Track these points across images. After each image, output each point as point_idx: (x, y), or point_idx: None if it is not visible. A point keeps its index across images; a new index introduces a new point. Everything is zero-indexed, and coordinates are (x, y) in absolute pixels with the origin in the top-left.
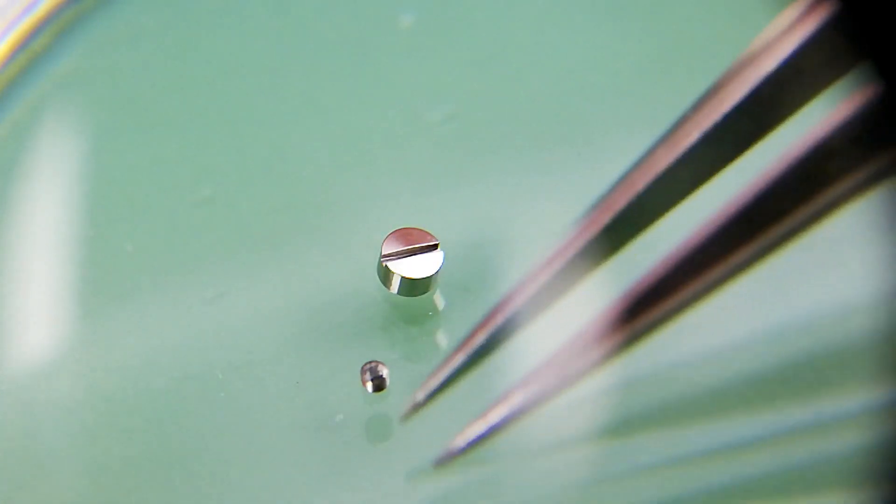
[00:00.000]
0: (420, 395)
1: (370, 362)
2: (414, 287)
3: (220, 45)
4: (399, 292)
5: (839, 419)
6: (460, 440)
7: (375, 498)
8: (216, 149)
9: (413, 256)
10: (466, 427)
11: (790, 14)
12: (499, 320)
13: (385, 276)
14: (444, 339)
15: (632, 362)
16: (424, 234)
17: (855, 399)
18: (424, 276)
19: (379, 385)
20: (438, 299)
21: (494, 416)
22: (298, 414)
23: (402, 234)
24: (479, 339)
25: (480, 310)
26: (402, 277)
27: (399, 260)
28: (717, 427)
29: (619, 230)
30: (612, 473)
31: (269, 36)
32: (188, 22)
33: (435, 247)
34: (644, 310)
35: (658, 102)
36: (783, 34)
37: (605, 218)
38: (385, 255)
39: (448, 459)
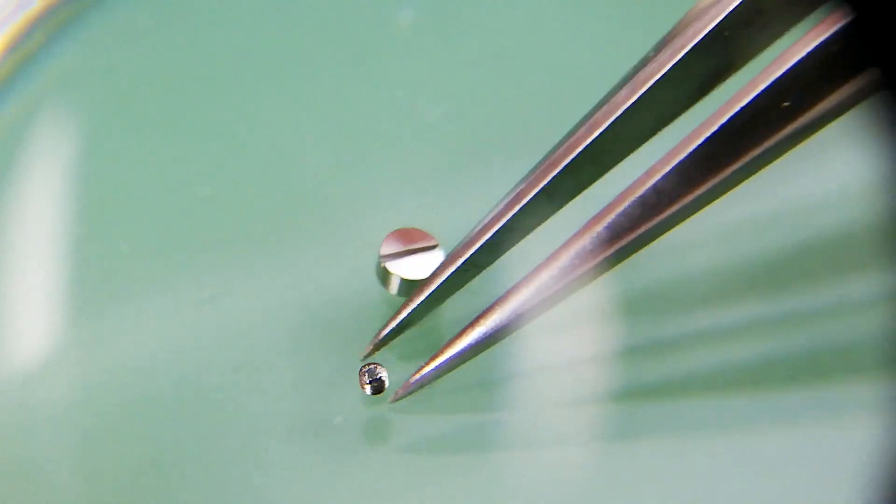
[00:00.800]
0: (402, 390)
1: (368, 364)
2: (413, 288)
3: (216, 43)
4: (398, 293)
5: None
6: (418, 376)
7: (374, 500)
8: (213, 148)
9: (412, 256)
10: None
11: None
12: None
13: (384, 276)
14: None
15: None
16: (423, 234)
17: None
18: (423, 276)
19: (377, 387)
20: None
21: (460, 345)
22: (297, 416)
23: (401, 234)
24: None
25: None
26: (401, 279)
27: (398, 260)
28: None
29: (582, 170)
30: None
31: (266, 34)
32: (184, 20)
33: (434, 247)
34: (625, 233)
35: None
36: None
37: (568, 157)
38: (384, 256)
39: (406, 393)
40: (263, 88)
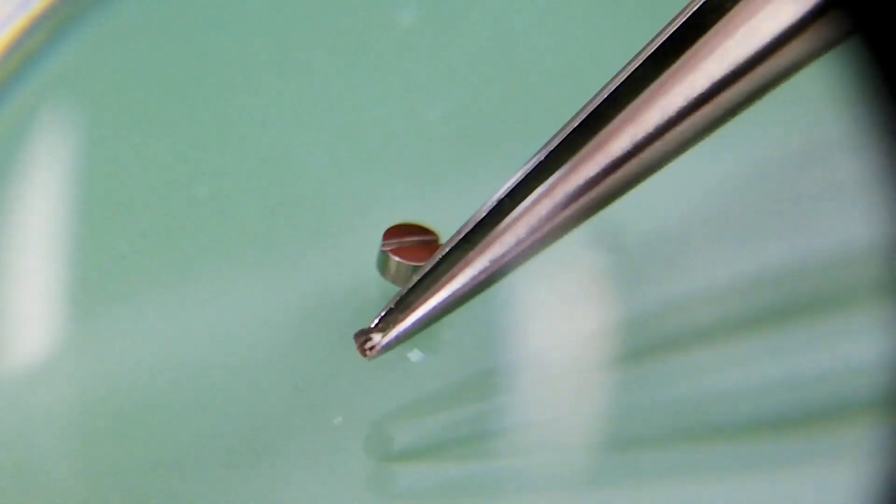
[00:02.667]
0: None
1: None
2: (412, 274)
3: (216, 43)
4: (396, 281)
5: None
6: (394, 332)
7: (374, 499)
8: (212, 148)
9: (412, 245)
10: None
11: None
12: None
13: (383, 263)
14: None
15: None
16: (424, 228)
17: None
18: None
19: (372, 346)
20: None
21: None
22: (297, 416)
23: (402, 227)
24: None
25: (480, 307)
26: (400, 263)
27: (398, 247)
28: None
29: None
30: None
31: (266, 34)
32: (184, 20)
33: (434, 240)
34: (611, 172)
35: None
36: None
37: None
38: (385, 244)
39: (383, 349)
40: (263, 88)
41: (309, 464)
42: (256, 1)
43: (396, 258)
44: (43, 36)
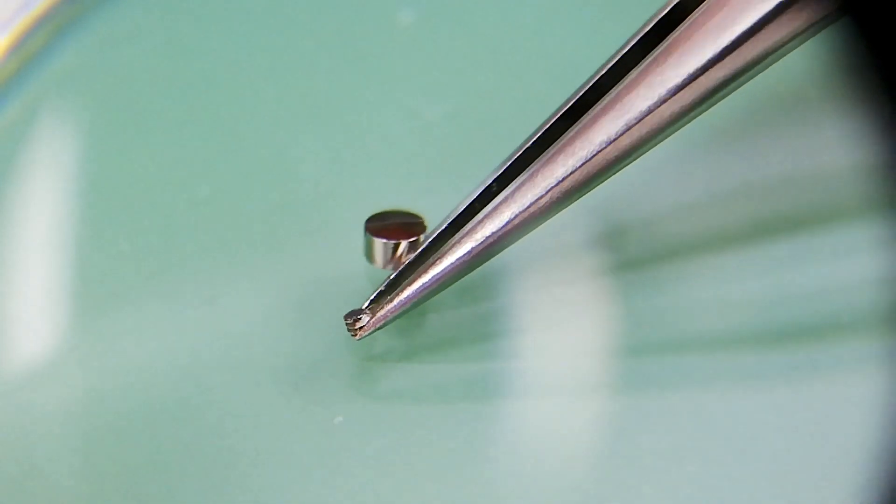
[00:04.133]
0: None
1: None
2: (396, 254)
3: (216, 43)
4: (386, 265)
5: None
6: (382, 311)
7: (375, 500)
8: (213, 148)
9: (396, 227)
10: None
11: None
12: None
13: (368, 247)
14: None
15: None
16: (410, 213)
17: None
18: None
19: (361, 326)
20: None
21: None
22: (297, 415)
23: (384, 213)
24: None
25: (475, 305)
26: (385, 245)
27: (382, 230)
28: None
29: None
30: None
31: (266, 34)
32: (184, 21)
33: (419, 222)
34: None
35: None
36: None
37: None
38: (368, 227)
39: (374, 329)
40: (263, 89)
41: (309, 462)
42: (256, 2)
43: (381, 240)
44: (44, 37)
